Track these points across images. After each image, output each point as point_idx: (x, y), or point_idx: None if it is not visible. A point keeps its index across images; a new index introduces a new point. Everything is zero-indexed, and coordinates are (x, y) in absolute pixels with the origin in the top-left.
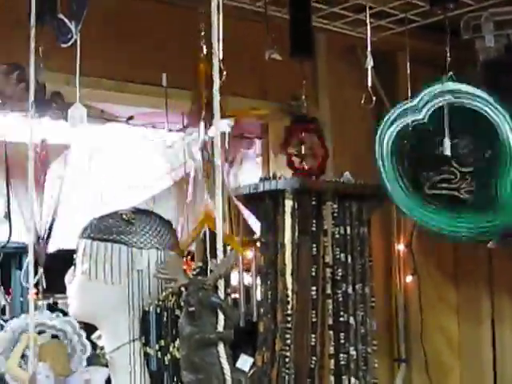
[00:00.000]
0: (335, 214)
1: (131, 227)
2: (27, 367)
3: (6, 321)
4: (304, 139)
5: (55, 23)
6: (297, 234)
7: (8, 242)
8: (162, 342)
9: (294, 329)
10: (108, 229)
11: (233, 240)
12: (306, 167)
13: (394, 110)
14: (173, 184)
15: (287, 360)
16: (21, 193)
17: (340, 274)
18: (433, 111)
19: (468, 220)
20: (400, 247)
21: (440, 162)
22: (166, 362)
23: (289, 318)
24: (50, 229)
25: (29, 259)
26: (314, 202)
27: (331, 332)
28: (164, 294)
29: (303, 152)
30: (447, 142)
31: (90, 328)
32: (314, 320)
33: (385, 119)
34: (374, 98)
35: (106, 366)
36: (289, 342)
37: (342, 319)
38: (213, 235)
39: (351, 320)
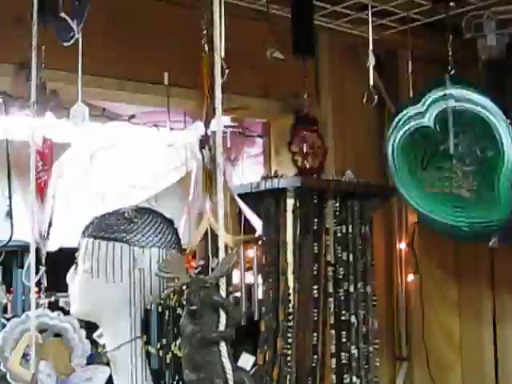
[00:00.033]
0: (337, 213)
1: (133, 226)
2: (29, 366)
3: (7, 319)
4: (306, 138)
5: (57, 22)
6: (298, 232)
7: (10, 240)
8: (164, 341)
9: (296, 327)
10: (110, 227)
11: (226, 236)
12: (308, 166)
13: (400, 114)
14: (175, 183)
15: (289, 359)
16: (25, 191)
17: (342, 272)
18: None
19: (468, 214)
20: (402, 246)
21: (442, 161)
22: (168, 361)
23: (290, 317)
24: (49, 227)
25: (30, 258)
26: (315, 201)
27: (333, 331)
28: (166, 292)
29: (305, 151)
30: (451, 145)
31: (91, 326)
32: (315, 319)
33: (393, 123)
34: (376, 97)
35: (108, 364)
36: (290, 340)
37: (343, 318)
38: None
39: (353, 319)
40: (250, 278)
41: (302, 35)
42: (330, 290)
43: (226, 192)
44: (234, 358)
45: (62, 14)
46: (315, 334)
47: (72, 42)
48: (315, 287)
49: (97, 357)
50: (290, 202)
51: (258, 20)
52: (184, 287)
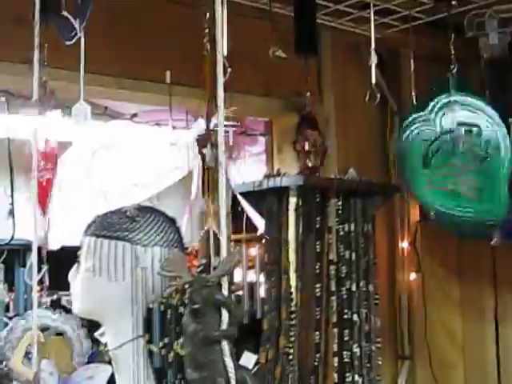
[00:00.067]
0: (339, 211)
1: (135, 225)
2: (31, 364)
3: (9, 318)
4: (308, 136)
5: (59, 20)
6: (301, 231)
7: (12, 238)
8: (166, 340)
9: (298, 326)
10: (112, 226)
11: None
12: (310, 164)
13: (410, 118)
14: (177, 182)
15: (291, 357)
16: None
17: (344, 271)
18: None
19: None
20: (404, 245)
21: (444, 159)
22: (170, 360)
23: (292, 316)
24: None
25: (33, 257)
26: (318, 199)
27: (335, 329)
28: (168, 291)
29: (307, 149)
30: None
31: (93, 325)
32: (317, 317)
33: (404, 126)
34: (378, 95)
35: (110, 363)
36: (293, 339)
37: (345, 316)
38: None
39: (355, 317)
40: (252, 276)
41: (305, 34)
42: (333, 289)
43: (229, 191)
44: (236, 357)
45: (65, 13)
46: (317, 333)
47: (74, 40)
48: (317, 286)
49: (98, 355)
50: (293, 201)
51: (260, 18)
52: (186, 286)
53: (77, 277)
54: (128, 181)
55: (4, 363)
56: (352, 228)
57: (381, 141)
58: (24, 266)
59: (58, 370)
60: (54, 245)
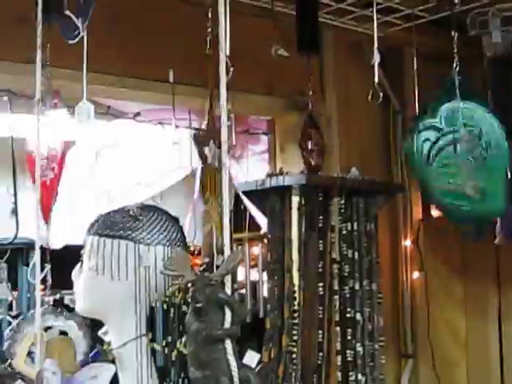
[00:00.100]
0: (342, 210)
1: (138, 223)
2: (34, 364)
3: (13, 317)
4: (311, 136)
5: (62, 20)
6: (304, 230)
7: (15, 237)
8: (169, 338)
9: (301, 325)
10: (115, 225)
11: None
12: (313, 163)
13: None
14: (180, 180)
15: (294, 356)
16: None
17: (347, 270)
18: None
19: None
20: (407, 243)
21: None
22: (173, 358)
23: (295, 314)
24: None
25: (36, 256)
26: (320, 198)
27: (338, 328)
28: (171, 290)
29: (310, 148)
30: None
31: (96, 324)
32: (320, 316)
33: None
34: (381, 94)
35: (113, 361)
36: (296, 338)
37: (348, 315)
38: None
39: (358, 316)
40: (255, 275)
41: (307, 32)
42: (336, 288)
43: (231, 190)
44: (240, 356)
45: (67, 12)
46: (320, 332)
47: (77, 40)
48: (320, 285)
49: (102, 354)
50: (295, 200)
51: (262, 17)
52: (189, 285)
53: (80, 276)
54: (131, 180)
55: (8, 362)
56: (355, 227)
57: (383, 140)
58: (27, 264)
59: (61, 370)
60: (57, 244)
